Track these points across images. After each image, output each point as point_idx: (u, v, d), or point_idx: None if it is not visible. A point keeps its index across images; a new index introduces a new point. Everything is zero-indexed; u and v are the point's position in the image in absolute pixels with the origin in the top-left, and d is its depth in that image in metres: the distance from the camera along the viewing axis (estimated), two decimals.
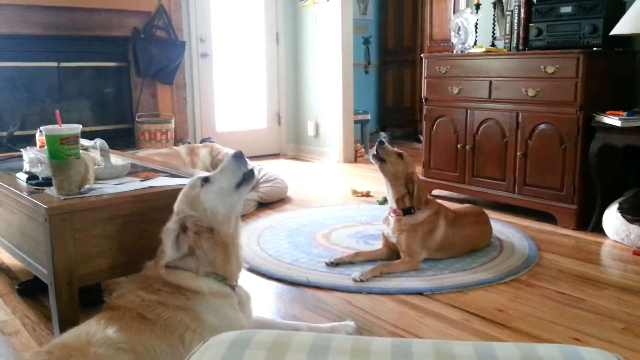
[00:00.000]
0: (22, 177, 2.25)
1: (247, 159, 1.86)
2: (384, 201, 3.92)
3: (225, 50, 5.84)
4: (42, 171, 2.19)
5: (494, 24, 4.10)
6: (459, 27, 4.08)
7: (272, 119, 6.26)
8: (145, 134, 5.02)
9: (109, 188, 2.07)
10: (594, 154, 3.20)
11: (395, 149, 2.82)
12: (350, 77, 5.78)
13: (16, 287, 2.48)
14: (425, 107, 4.19)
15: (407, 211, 2.75)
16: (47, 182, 2.07)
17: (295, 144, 6.36)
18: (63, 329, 1.82)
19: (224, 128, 5.90)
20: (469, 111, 3.87)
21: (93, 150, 2.40)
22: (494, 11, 4.09)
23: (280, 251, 2.97)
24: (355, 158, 5.88)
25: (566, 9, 3.51)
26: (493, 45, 4.06)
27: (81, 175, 1.98)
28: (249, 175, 1.82)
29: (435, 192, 4.11)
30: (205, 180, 1.79)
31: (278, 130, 6.31)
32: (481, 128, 3.80)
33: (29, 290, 2.43)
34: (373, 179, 4.85)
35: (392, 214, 2.80)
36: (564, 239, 3.21)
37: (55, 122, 2.08)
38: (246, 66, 6.02)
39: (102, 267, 1.98)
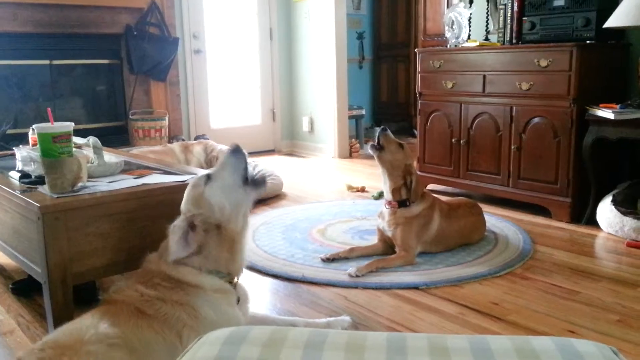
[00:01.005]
0: (14, 175, 2.23)
1: (244, 152, 1.83)
2: (379, 196, 3.92)
3: (218, 47, 5.82)
4: (34, 169, 2.18)
5: (487, 18, 4.10)
6: (453, 22, 4.08)
7: (266, 115, 6.25)
8: (139, 132, 5.01)
9: (103, 186, 2.06)
10: (587, 146, 3.21)
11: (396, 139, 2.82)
12: (345, 73, 5.78)
13: (10, 286, 2.47)
14: (419, 101, 4.19)
15: (402, 203, 2.75)
16: (40, 181, 2.06)
17: (290, 140, 6.35)
18: (57, 327, 1.81)
19: (218, 125, 5.89)
20: (463, 105, 3.87)
21: (86, 148, 2.38)
22: (487, 5, 4.09)
23: (276, 247, 2.97)
24: (350, 153, 5.88)
25: (559, 2, 3.51)
26: (486, 39, 4.06)
27: (74, 173, 1.98)
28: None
29: (430, 186, 4.11)
30: (209, 177, 1.79)
31: (273, 126, 6.30)
32: (475, 122, 3.80)
33: (23, 289, 2.42)
34: (368, 174, 4.85)
35: (387, 206, 2.80)
36: (558, 231, 3.22)
37: (48, 120, 2.07)
38: (240, 62, 6.01)
39: (96, 265, 1.97)
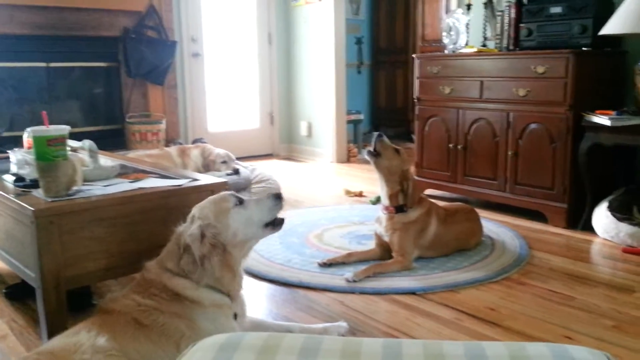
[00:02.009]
0: (8, 178, 2.22)
1: (283, 202, 1.88)
2: (377, 201, 3.91)
3: (217, 50, 5.82)
4: (29, 173, 2.17)
5: (485, 24, 4.11)
6: (451, 28, 4.09)
7: (264, 119, 6.25)
8: (136, 135, 5.00)
9: (97, 189, 2.05)
10: (583, 153, 3.21)
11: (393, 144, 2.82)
12: (343, 77, 5.78)
13: (3, 290, 2.45)
14: (417, 107, 4.20)
15: (399, 209, 2.75)
16: (35, 184, 2.05)
17: (288, 144, 6.35)
18: (51, 332, 1.80)
19: (216, 128, 5.88)
20: (460, 111, 3.87)
21: (82, 152, 2.37)
22: (485, 11, 4.10)
23: (273, 252, 2.96)
24: (348, 158, 5.88)
25: (556, 10, 3.52)
26: (484, 45, 4.07)
27: (68, 176, 1.96)
28: (278, 222, 1.86)
29: (427, 191, 4.11)
30: (240, 201, 1.80)
31: (271, 131, 6.29)
32: (473, 128, 3.80)
33: (17, 293, 2.40)
34: (366, 179, 4.85)
35: (384, 211, 2.79)
36: (554, 237, 3.22)
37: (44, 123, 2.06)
38: (238, 66, 6.01)
39: (90, 270, 1.96)
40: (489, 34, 4.10)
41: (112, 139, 4.99)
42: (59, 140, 1.93)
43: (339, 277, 2.58)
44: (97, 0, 4.73)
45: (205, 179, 2.29)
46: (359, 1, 7.14)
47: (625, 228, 2.99)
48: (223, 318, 1.74)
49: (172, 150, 4.31)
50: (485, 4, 4.08)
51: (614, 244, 3.05)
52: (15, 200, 1.94)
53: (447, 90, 3.92)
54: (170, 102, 5.40)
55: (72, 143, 2.41)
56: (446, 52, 4.11)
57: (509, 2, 3.81)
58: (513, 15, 3.76)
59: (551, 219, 3.42)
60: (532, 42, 3.64)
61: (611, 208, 3.14)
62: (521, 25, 3.71)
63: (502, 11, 3.88)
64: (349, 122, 6.03)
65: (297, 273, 2.66)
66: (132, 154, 3.97)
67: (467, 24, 4.05)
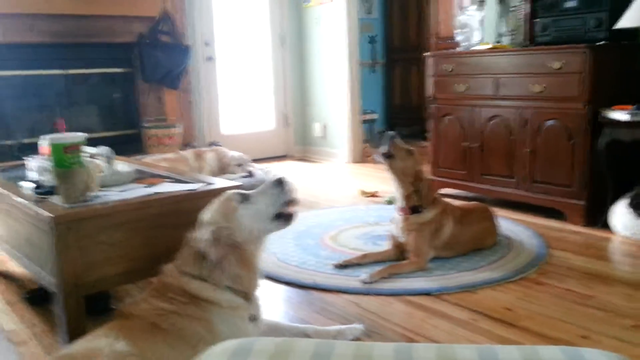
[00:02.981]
0: (27, 185, 2.26)
1: (289, 185, 1.85)
2: (392, 201, 3.91)
3: (230, 54, 5.84)
4: (48, 179, 2.20)
5: (498, 20, 4.07)
6: (464, 24, 4.06)
7: (279, 121, 6.26)
8: (153, 139, 5.04)
9: (114, 195, 2.08)
10: (602, 149, 3.17)
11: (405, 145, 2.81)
12: (357, 77, 5.77)
13: (24, 295, 2.49)
14: (431, 105, 4.17)
15: (414, 210, 2.74)
16: (52, 191, 2.08)
17: (302, 145, 6.36)
18: (71, 337, 1.83)
19: (231, 131, 5.91)
20: (475, 109, 3.84)
21: (98, 158, 2.41)
22: (499, 7, 4.07)
23: (288, 254, 2.97)
24: (364, 158, 5.87)
25: (570, 3, 3.48)
26: (498, 41, 4.03)
27: (85, 183, 1.99)
28: (288, 216, 1.84)
29: (443, 190, 4.08)
30: (245, 197, 1.80)
31: (285, 132, 6.31)
32: (488, 125, 3.77)
33: (37, 298, 2.43)
34: (381, 179, 4.83)
35: (399, 213, 2.78)
36: (573, 235, 3.18)
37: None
38: (252, 68, 6.03)
39: (108, 275, 1.99)
40: (503, 30, 4.06)
41: (129, 144, 5.05)
42: (76, 148, 1.96)
43: (354, 279, 2.58)
44: (112, 7, 4.79)
45: (219, 182, 2.31)
46: (371, 0, 7.13)
47: None
48: (238, 320, 1.75)
49: (188, 153, 4.36)
50: None
51: (634, 242, 3.01)
52: (34, 207, 1.98)
53: (461, 88, 3.90)
54: (185, 106, 5.45)
55: (89, 149, 2.45)
56: (460, 49, 4.09)
57: None
58: (527, 10, 3.73)
59: (570, 216, 3.38)
60: (547, 37, 3.60)
61: (631, 205, 3.09)
62: (535, 20, 3.67)
63: (515, 6, 3.84)
64: (364, 121, 6.02)
65: (312, 275, 2.67)
66: (148, 159, 4.01)
67: (481, 21, 4.02)
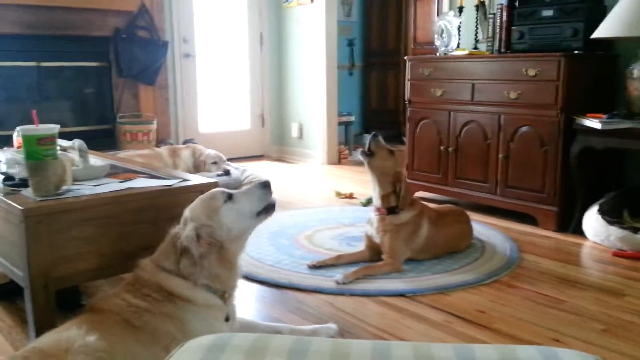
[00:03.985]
0: None
1: (272, 190, 1.88)
2: (367, 203, 3.92)
3: (208, 51, 5.80)
4: (19, 172, 2.14)
5: (476, 26, 4.12)
6: (442, 30, 4.10)
7: (255, 120, 6.23)
8: (127, 135, 4.97)
9: (87, 189, 2.04)
10: (574, 156, 3.23)
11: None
12: (335, 79, 5.78)
13: None
14: (408, 109, 4.20)
15: (391, 210, 2.75)
16: (24, 183, 2.03)
17: (279, 145, 6.34)
18: (39, 333, 1.78)
19: (207, 129, 5.86)
20: (451, 113, 3.88)
21: (71, 151, 2.36)
22: (477, 14, 4.12)
23: (263, 253, 2.95)
24: (339, 160, 5.88)
25: (548, 12, 3.54)
26: (476, 48, 4.08)
27: (58, 176, 1.95)
28: (270, 207, 1.85)
29: (418, 193, 4.10)
30: (229, 197, 1.79)
31: (262, 132, 6.28)
32: (464, 130, 3.81)
33: (5, 293, 2.38)
34: (357, 181, 4.85)
35: (376, 213, 2.79)
36: (544, 240, 3.23)
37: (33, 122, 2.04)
38: (230, 67, 5.99)
39: (79, 270, 1.94)
40: (480, 36, 4.11)
41: (103, 139, 4.96)
42: (49, 140, 1.91)
43: (329, 279, 2.58)
44: (88, 0, 4.71)
45: (195, 179, 2.28)
46: (350, 3, 7.15)
47: (615, 232, 3.00)
48: (213, 320, 1.73)
49: (163, 150, 4.30)
50: (476, 6, 4.10)
51: (604, 248, 3.07)
52: (4, 199, 1.92)
53: (438, 92, 3.93)
54: (162, 103, 5.38)
55: (62, 142, 2.40)
56: (438, 54, 4.12)
57: (501, 4, 3.83)
58: (505, 18, 3.77)
59: (541, 222, 3.43)
60: (523, 45, 3.65)
61: (601, 211, 3.15)
62: (513, 28, 3.72)
63: (493, 14, 3.89)
64: (340, 123, 6.03)
65: (287, 274, 2.65)
66: (122, 154, 3.95)
67: (459, 27, 4.06)
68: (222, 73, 5.95)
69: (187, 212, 1.79)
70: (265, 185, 1.85)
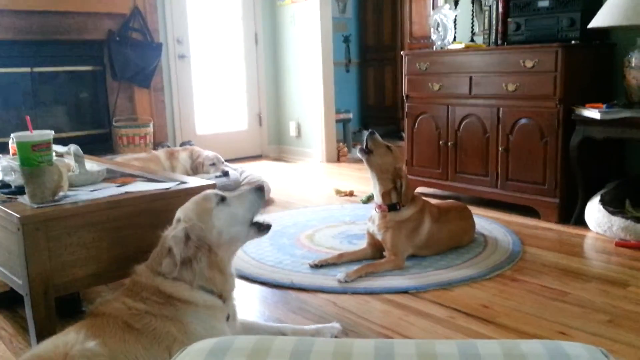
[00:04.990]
0: None
1: (264, 195, 1.87)
2: (368, 200, 3.91)
3: (203, 52, 5.78)
4: (15, 179, 2.13)
5: (472, 19, 4.10)
6: (438, 24, 4.08)
7: (253, 121, 6.22)
8: (123, 139, 4.95)
9: (84, 195, 2.02)
10: (574, 147, 3.21)
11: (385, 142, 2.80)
12: (331, 76, 5.76)
13: None
14: (406, 104, 4.18)
15: (392, 207, 2.73)
16: (20, 191, 2.01)
17: (277, 145, 6.32)
18: (40, 340, 1.77)
19: (204, 131, 5.85)
20: (450, 107, 3.86)
21: (67, 157, 2.34)
22: (473, 7, 4.10)
23: (263, 254, 2.93)
24: (338, 157, 5.86)
25: (544, 3, 3.52)
26: (472, 40, 4.06)
27: (54, 182, 1.93)
28: (265, 227, 1.83)
29: (419, 189, 4.09)
30: (222, 199, 1.77)
31: (259, 132, 6.26)
32: (463, 124, 3.79)
33: (5, 301, 2.36)
34: (356, 178, 4.83)
35: (377, 210, 2.77)
36: (547, 232, 3.21)
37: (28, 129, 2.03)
38: (225, 67, 5.97)
39: (79, 276, 1.93)
40: (476, 29, 4.10)
41: (100, 144, 4.95)
42: (44, 146, 1.89)
43: (331, 278, 2.56)
44: (81, 4, 4.69)
45: (193, 181, 2.26)
46: None
47: (617, 222, 2.99)
48: (214, 320, 1.71)
49: (160, 153, 4.29)
50: None
51: (607, 238, 3.05)
52: (1, 207, 1.90)
53: (436, 87, 3.91)
54: (158, 105, 5.36)
55: (57, 148, 2.38)
56: (434, 48, 4.10)
57: None
58: (500, 9, 3.76)
59: (543, 214, 3.41)
60: (520, 37, 3.64)
61: (603, 202, 3.13)
62: (509, 19, 3.70)
63: (489, 6, 3.87)
64: (338, 121, 6.02)
65: (288, 274, 2.64)
66: (120, 158, 3.93)
67: (455, 20, 4.05)
68: (218, 74, 5.93)
69: (179, 213, 1.78)
70: (259, 190, 1.84)
